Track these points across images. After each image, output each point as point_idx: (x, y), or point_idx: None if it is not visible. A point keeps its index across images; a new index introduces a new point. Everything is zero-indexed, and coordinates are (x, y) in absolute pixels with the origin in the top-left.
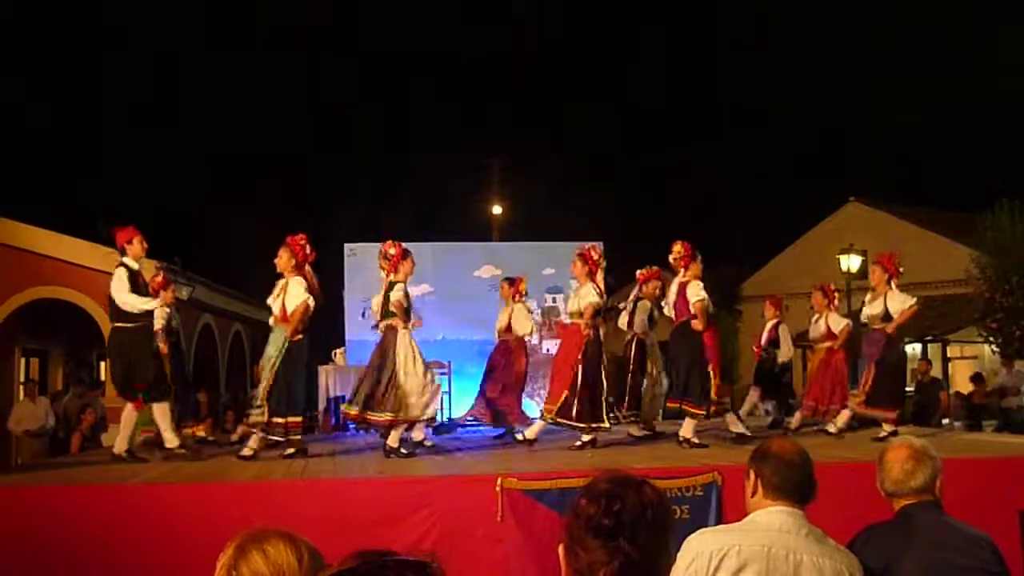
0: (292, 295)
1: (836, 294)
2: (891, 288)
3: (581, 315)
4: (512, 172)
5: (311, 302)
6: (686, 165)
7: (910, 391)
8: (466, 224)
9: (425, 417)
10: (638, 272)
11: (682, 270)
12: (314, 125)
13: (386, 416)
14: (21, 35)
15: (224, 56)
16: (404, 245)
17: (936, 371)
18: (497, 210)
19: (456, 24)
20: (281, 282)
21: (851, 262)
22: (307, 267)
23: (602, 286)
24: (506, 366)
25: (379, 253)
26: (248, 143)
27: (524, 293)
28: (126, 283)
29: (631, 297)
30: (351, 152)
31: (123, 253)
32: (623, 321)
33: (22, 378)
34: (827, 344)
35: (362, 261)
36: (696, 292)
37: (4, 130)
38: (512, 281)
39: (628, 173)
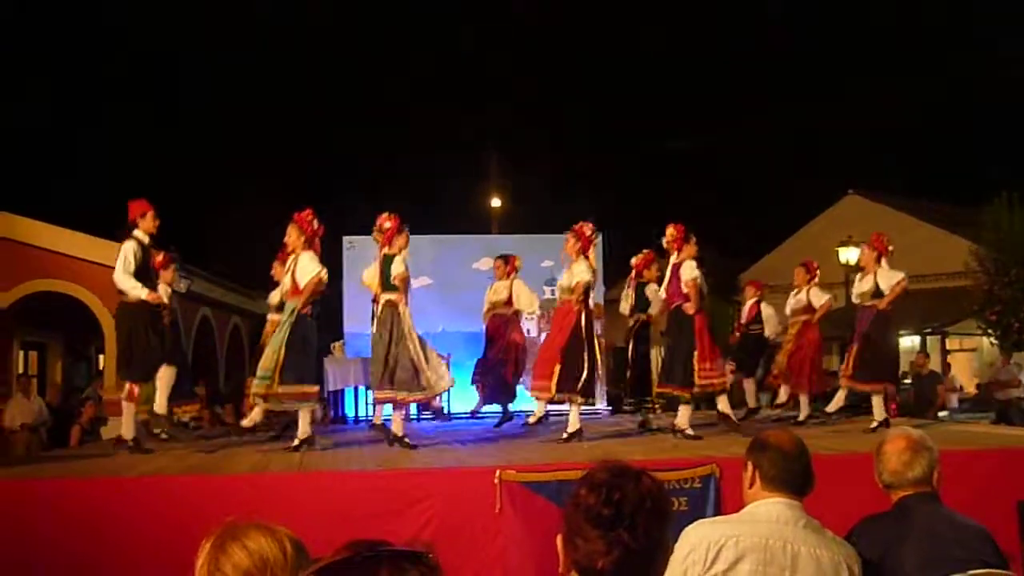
0: (304, 268)
1: (819, 271)
2: (880, 266)
3: (572, 291)
4: (511, 166)
5: (324, 275)
6: (685, 158)
7: (908, 384)
8: (465, 217)
9: (443, 389)
10: (633, 260)
11: (676, 252)
12: (313, 120)
13: (416, 395)
14: (21, 33)
15: (224, 56)
16: (400, 218)
17: (935, 363)
18: (496, 203)
19: (456, 23)
20: (292, 258)
21: (850, 254)
22: (316, 242)
23: (594, 264)
24: (503, 338)
25: (375, 226)
26: (247, 137)
27: (518, 269)
28: (131, 262)
29: (629, 283)
30: (350, 145)
31: (134, 226)
32: (624, 307)
33: (21, 370)
34: (804, 318)
35: (361, 254)
36: (689, 271)
37: (3, 123)
38: (507, 259)
39: (627, 166)
